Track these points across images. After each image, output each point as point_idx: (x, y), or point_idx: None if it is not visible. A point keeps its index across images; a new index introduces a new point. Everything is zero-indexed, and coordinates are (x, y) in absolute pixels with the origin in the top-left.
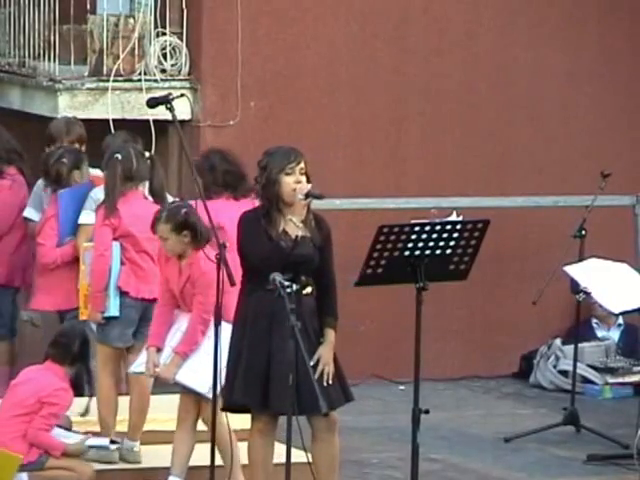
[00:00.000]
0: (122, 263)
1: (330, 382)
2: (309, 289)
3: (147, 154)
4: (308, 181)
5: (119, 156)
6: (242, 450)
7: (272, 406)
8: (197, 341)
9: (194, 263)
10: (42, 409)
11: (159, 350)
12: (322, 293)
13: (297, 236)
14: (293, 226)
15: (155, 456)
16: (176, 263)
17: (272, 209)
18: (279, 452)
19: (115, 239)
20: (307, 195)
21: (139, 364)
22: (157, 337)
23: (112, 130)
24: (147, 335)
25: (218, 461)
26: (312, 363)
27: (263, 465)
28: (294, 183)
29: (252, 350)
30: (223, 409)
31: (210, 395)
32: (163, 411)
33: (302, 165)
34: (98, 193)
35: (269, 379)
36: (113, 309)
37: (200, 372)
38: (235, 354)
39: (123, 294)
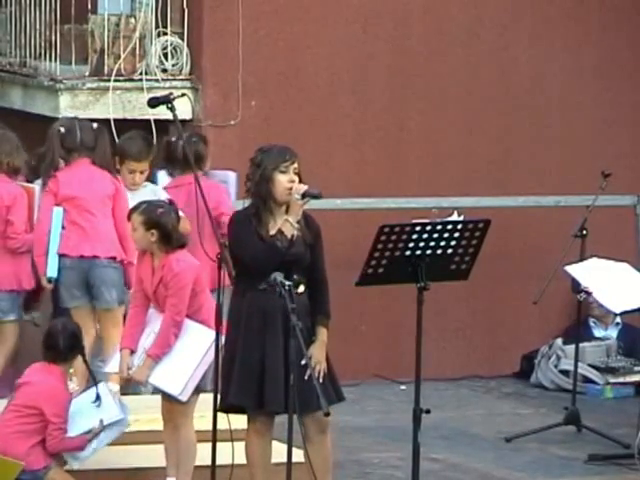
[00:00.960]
0: (63, 227)
1: (321, 381)
2: (302, 287)
3: (95, 125)
4: (300, 182)
5: (62, 129)
6: (240, 450)
7: (267, 406)
8: (170, 344)
9: (166, 265)
10: (48, 421)
11: (132, 352)
12: (314, 291)
13: (293, 235)
14: (289, 226)
15: (152, 456)
16: (149, 263)
17: (263, 208)
18: (280, 451)
19: (58, 204)
20: (304, 195)
21: (113, 364)
22: (130, 339)
23: (113, 130)
24: (111, 297)
25: (219, 461)
26: (303, 362)
27: (262, 465)
28: (288, 182)
29: (246, 351)
30: (220, 410)
31: (182, 398)
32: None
33: (296, 165)
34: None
35: (264, 379)
36: (50, 271)
37: (172, 374)
38: (230, 355)
39: (62, 256)
